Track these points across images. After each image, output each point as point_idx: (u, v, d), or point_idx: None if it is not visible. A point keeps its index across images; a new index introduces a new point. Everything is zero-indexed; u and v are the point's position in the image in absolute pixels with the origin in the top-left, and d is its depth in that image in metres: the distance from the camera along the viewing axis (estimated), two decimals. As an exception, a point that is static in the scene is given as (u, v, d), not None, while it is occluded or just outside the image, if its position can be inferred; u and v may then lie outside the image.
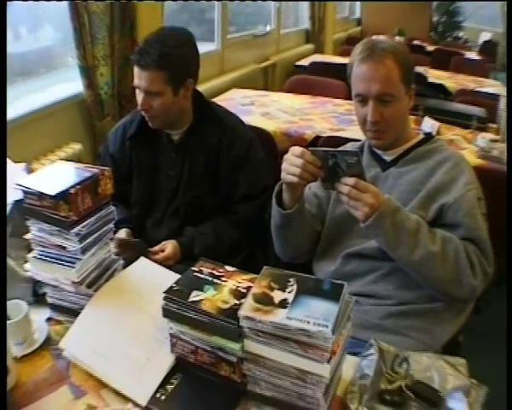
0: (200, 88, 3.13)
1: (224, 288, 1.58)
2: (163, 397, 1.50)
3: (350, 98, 4.75)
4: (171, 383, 1.54)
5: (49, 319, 1.83)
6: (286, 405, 1.44)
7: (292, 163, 1.94)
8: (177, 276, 1.74)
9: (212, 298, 1.54)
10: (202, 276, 1.62)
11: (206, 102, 2.62)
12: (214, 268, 1.66)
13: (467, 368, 1.60)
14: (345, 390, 1.57)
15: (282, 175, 2.01)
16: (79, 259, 1.75)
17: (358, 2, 12.85)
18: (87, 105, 3.74)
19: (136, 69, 2.31)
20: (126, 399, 1.50)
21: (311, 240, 2.30)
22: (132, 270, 1.89)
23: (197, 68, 2.46)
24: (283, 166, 1.99)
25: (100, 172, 1.82)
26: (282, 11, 7.34)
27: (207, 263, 1.68)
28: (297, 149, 1.96)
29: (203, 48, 4.68)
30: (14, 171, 2.38)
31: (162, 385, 1.53)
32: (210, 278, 1.61)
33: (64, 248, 1.77)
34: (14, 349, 1.63)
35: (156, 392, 1.51)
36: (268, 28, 7.07)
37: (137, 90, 2.37)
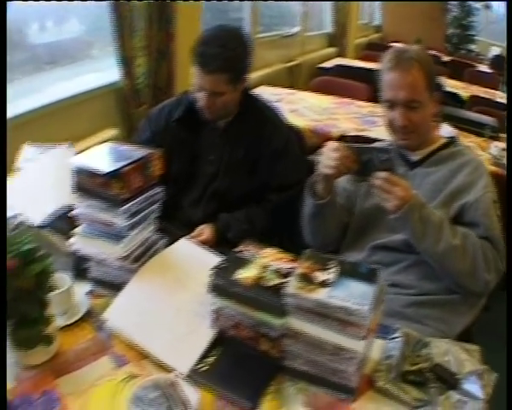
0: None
1: (267, 267, 1.69)
2: (203, 368, 1.58)
3: (373, 100, 4.88)
4: (211, 356, 1.63)
5: (89, 293, 1.91)
6: (319, 380, 1.53)
7: (329, 157, 2.08)
8: (216, 256, 1.90)
9: (256, 276, 1.65)
10: (247, 256, 1.73)
11: (250, 94, 2.74)
12: (258, 249, 1.77)
13: (480, 354, 1.73)
14: (372, 369, 1.67)
15: (319, 167, 2.13)
16: (126, 235, 1.83)
17: (378, 10, 12.89)
18: (124, 93, 3.87)
19: (199, 71, 2.46)
20: (167, 370, 1.57)
21: (339, 230, 2.45)
22: (174, 249, 1.97)
23: (251, 63, 2.56)
24: (321, 158, 2.11)
25: (151, 154, 1.93)
26: (308, 14, 7.39)
27: (251, 245, 1.80)
28: (334, 144, 2.10)
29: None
30: (60, 151, 2.49)
31: (203, 358, 1.61)
32: (254, 258, 1.72)
33: (112, 224, 1.87)
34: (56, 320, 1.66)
35: (197, 364, 1.59)
36: (294, 30, 7.14)
37: (195, 88, 2.54)
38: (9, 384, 1.61)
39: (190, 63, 3.91)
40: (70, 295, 1.80)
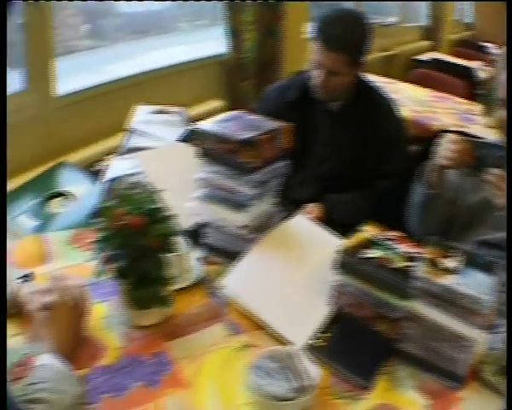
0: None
1: (395, 250, 1.64)
2: (318, 344, 1.55)
3: (469, 98, 4.77)
4: (327, 332, 1.59)
5: (201, 259, 1.91)
6: (431, 366, 1.49)
7: (448, 148, 2.05)
8: (331, 235, 1.93)
9: (385, 257, 1.61)
10: (374, 237, 1.69)
11: (365, 79, 2.83)
12: (382, 231, 1.73)
13: None
14: (477, 360, 1.61)
15: (437, 158, 2.14)
16: (250, 205, 1.82)
17: (469, 7, 12.62)
18: (229, 66, 3.91)
19: (320, 48, 2.45)
20: (282, 342, 1.56)
21: (444, 221, 2.40)
22: (292, 224, 1.96)
23: (369, 49, 2.66)
24: (439, 149, 2.11)
25: (283, 126, 1.92)
26: (406, 5, 7.28)
27: (374, 227, 1.76)
28: (454, 136, 2.07)
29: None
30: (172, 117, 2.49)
31: (318, 333, 1.58)
32: (382, 240, 1.68)
33: (236, 192, 1.86)
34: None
35: (312, 339, 1.56)
36: (392, 20, 7.04)
37: (313, 65, 2.54)
38: (119, 343, 1.63)
39: (298, 43, 3.94)
40: (185, 259, 1.79)
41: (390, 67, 6.81)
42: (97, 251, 1.64)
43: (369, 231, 1.72)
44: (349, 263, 1.63)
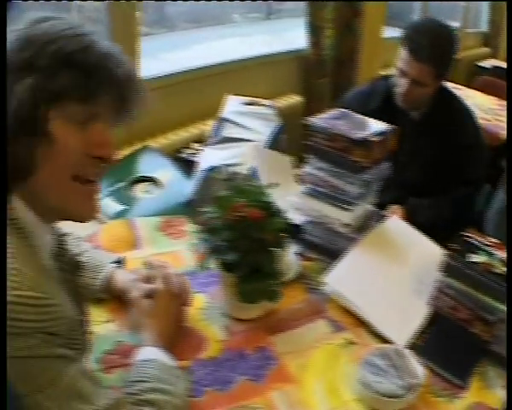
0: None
1: (495, 256, 1.66)
2: (418, 342, 1.59)
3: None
4: (424, 332, 1.62)
5: (297, 254, 1.90)
6: None
7: None
8: (424, 237, 1.95)
9: (486, 262, 1.64)
10: (475, 242, 1.71)
11: (446, 87, 2.83)
12: (483, 238, 1.74)
13: None
14: None
15: None
16: (355, 203, 1.87)
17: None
18: (308, 62, 3.90)
19: (408, 57, 2.46)
20: (382, 339, 1.58)
21: None
22: (389, 224, 1.98)
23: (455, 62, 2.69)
24: None
25: (391, 129, 1.92)
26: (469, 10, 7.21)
27: (475, 233, 1.76)
28: None
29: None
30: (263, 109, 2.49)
31: (417, 332, 1.62)
32: (483, 246, 1.70)
33: (343, 190, 1.87)
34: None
35: (412, 338, 1.59)
36: (454, 25, 6.97)
37: (398, 72, 2.55)
38: (220, 336, 1.63)
39: (374, 42, 3.91)
40: (286, 254, 1.72)
41: (454, 73, 6.72)
42: (203, 241, 1.62)
43: (470, 236, 1.72)
44: (456, 266, 1.64)
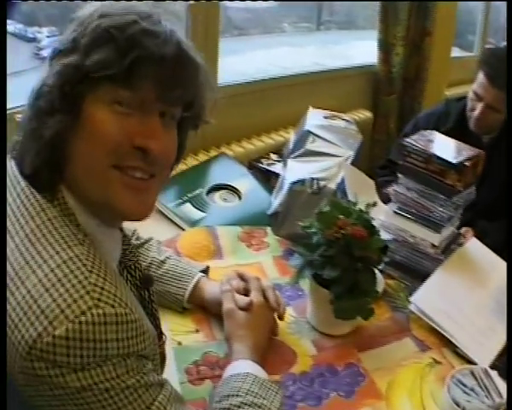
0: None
1: None
2: (498, 363, 1.59)
3: None
4: (503, 354, 1.63)
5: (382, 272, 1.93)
6: None
7: None
8: (501, 261, 1.97)
9: None
10: None
11: None
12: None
13: None
14: None
15: None
16: (444, 226, 1.89)
17: None
18: (377, 78, 3.93)
19: (485, 82, 2.50)
20: (465, 360, 1.60)
21: None
22: (470, 247, 2.02)
23: None
24: None
25: (481, 153, 1.95)
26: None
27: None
28: None
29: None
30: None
31: (499, 354, 1.62)
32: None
33: (433, 211, 1.89)
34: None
35: (494, 360, 1.60)
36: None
37: (474, 96, 2.66)
38: (310, 351, 1.65)
39: (442, 62, 3.92)
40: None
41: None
42: (300, 255, 1.64)
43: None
44: None
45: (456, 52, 4.83)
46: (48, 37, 2.79)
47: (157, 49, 0.92)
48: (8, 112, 1.88)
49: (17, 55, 2.87)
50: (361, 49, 4.39)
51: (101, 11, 0.99)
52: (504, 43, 2.79)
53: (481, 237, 2.49)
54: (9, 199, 1.01)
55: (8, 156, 1.08)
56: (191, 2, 2.73)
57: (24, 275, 0.88)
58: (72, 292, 0.86)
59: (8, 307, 0.90)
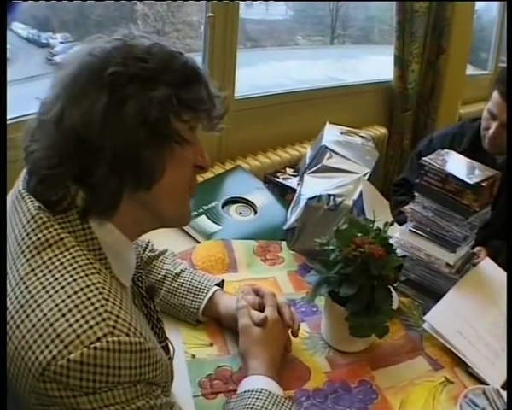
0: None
1: None
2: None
3: None
4: None
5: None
6: None
7: None
8: None
9: None
10: None
11: None
12: None
13: None
14: None
15: None
16: (460, 245, 1.90)
17: None
18: (393, 94, 3.97)
19: (499, 100, 2.51)
20: (477, 380, 1.60)
21: None
22: (484, 267, 2.03)
23: None
24: None
25: (497, 174, 1.96)
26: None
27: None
28: None
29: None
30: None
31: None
32: None
33: (448, 230, 1.90)
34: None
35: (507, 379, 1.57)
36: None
37: (488, 115, 2.68)
38: (323, 367, 1.66)
39: (456, 80, 3.94)
40: None
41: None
42: (317, 272, 1.66)
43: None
44: None
45: (469, 69, 4.85)
46: (61, 43, 2.82)
47: (206, 81, 1.12)
48: (18, 119, 1.91)
49: (30, 60, 2.90)
50: (374, 64, 4.45)
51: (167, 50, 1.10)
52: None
53: (494, 257, 2.50)
54: (20, 223, 1.03)
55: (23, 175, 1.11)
56: (210, 14, 2.74)
57: (40, 299, 0.91)
58: (89, 319, 0.89)
59: (22, 328, 0.92)
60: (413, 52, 3.80)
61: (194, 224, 2.27)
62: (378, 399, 1.51)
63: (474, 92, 3.78)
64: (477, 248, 2.53)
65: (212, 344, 1.62)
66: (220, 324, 1.66)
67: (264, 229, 2.32)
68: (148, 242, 1.77)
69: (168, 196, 1.06)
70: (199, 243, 2.14)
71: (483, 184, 1.78)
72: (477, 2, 4.41)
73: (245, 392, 1.32)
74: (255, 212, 2.43)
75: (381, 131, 3.85)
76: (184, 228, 2.24)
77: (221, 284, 1.73)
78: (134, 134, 0.95)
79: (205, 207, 2.38)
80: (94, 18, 2.85)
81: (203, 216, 2.33)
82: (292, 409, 1.30)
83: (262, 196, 2.52)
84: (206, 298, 1.69)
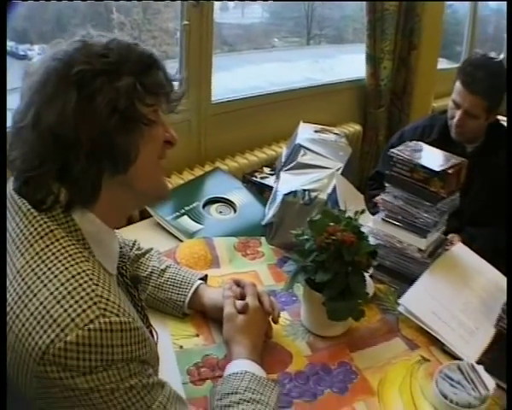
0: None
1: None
2: (484, 359, 1.67)
3: None
4: (491, 350, 1.73)
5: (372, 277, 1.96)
6: None
7: None
8: (487, 264, 2.09)
9: None
10: None
11: (497, 121, 2.95)
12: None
13: None
14: None
15: None
16: (430, 231, 1.99)
17: None
18: (366, 92, 4.04)
19: (461, 89, 2.64)
20: (452, 357, 1.68)
21: None
22: (456, 251, 2.13)
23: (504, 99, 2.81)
24: None
25: (464, 162, 2.05)
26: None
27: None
28: None
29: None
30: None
31: (485, 351, 1.72)
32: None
33: (419, 217, 1.99)
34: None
35: (480, 357, 1.69)
36: (501, 56, 7.04)
37: (452, 104, 2.78)
38: (304, 351, 1.74)
39: (428, 75, 4.02)
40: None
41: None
42: (294, 262, 1.75)
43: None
44: None
45: (444, 63, 4.92)
46: (39, 54, 2.81)
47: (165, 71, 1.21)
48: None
49: (8, 72, 2.95)
50: (350, 63, 4.48)
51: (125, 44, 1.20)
52: (482, 54, 2.89)
53: (469, 243, 2.58)
54: (14, 222, 1.11)
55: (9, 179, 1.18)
56: (185, 22, 2.82)
57: (36, 289, 0.99)
58: (81, 303, 0.97)
59: (22, 318, 1.01)
60: (384, 49, 3.87)
61: (177, 224, 2.34)
62: (357, 378, 1.59)
63: (448, 86, 3.87)
64: (450, 235, 2.62)
65: (198, 335, 1.69)
66: (205, 316, 1.74)
67: (244, 226, 2.37)
68: (135, 241, 1.86)
69: (145, 173, 1.14)
70: (182, 241, 2.21)
71: (449, 171, 1.86)
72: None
73: (230, 375, 1.38)
74: (235, 210, 2.51)
75: (355, 127, 3.91)
76: (168, 228, 2.32)
77: (205, 279, 1.81)
78: (106, 123, 1.03)
79: (186, 208, 2.45)
80: (71, 28, 2.82)
81: (185, 216, 2.40)
82: (275, 389, 1.37)
83: (241, 195, 2.60)
84: (191, 291, 1.76)
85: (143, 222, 2.46)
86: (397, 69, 4.12)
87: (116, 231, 1.28)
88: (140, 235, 1.87)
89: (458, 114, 2.64)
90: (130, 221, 2.41)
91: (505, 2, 4.58)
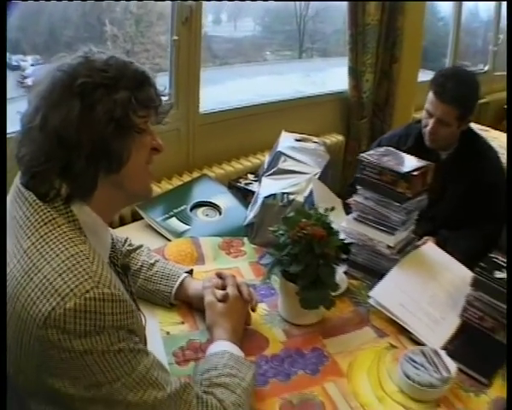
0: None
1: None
2: (450, 347, 1.81)
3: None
4: (456, 339, 1.86)
5: (345, 273, 2.12)
6: None
7: None
8: (455, 261, 2.21)
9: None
10: (498, 261, 1.92)
11: (473, 131, 3.09)
12: (504, 257, 1.98)
13: None
14: None
15: None
16: (398, 229, 2.12)
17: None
18: (349, 103, 4.16)
19: (433, 98, 2.74)
20: (419, 345, 1.78)
21: None
22: (425, 249, 2.26)
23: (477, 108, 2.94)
24: None
25: (430, 165, 2.20)
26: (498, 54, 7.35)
27: (500, 254, 2.01)
28: None
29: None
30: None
31: (450, 339, 1.85)
32: (504, 264, 1.95)
33: (388, 217, 2.14)
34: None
35: (445, 344, 1.82)
36: (485, 68, 7.18)
37: (426, 113, 2.83)
38: (280, 338, 1.88)
39: (409, 87, 4.15)
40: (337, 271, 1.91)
41: (482, 115, 6.89)
42: (268, 256, 1.92)
43: (496, 257, 1.99)
44: (484, 281, 1.90)
45: (428, 75, 5.03)
46: (32, 65, 2.85)
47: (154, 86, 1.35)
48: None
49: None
50: (340, 75, 4.52)
51: (122, 62, 1.34)
52: (454, 65, 3.05)
53: (442, 245, 2.73)
54: (21, 210, 1.26)
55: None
56: (175, 37, 2.98)
57: (40, 265, 1.13)
58: (79, 277, 1.12)
59: (28, 289, 1.12)
60: (366, 62, 3.98)
61: (166, 225, 2.51)
62: (329, 362, 1.71)
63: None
64: (425, 238, 2.76)
65: (183, 322, 1.82)
66: (191, 306, 1.87)
67: (228, 227, 2.51)
68: (127, 238, 2.02)
69: (134, 174, 1.29)
70: (170, 241, 2.34)
71: (414, 173, 2.00)
72: (442, 8, 4.51)
73: (211, 354, 1.51)
74: (220, 213, 2.68)
75: (338, 138, 4.05)
76: (157, 229, 2.49)
77: (190, 272, 1.95)
78: (104, 129, 1.18)
79: (175, 211, 2.62)
80: (64, 40, 2.95)
81: (174, 218, 2.57)
82: (251, 368, 1.49)
83: (226, 199, 2.77)
84: (177, 283, 1.86)
85: (135, 224, 2.63)
86: (378, 82, 4.24)
87: (109, 228, 1.43)
88: (132, 235, 2.02)
89: (431, 122, 2.74)
90: (122, 222, 2.61)
91: (493, 14, 4.62)
